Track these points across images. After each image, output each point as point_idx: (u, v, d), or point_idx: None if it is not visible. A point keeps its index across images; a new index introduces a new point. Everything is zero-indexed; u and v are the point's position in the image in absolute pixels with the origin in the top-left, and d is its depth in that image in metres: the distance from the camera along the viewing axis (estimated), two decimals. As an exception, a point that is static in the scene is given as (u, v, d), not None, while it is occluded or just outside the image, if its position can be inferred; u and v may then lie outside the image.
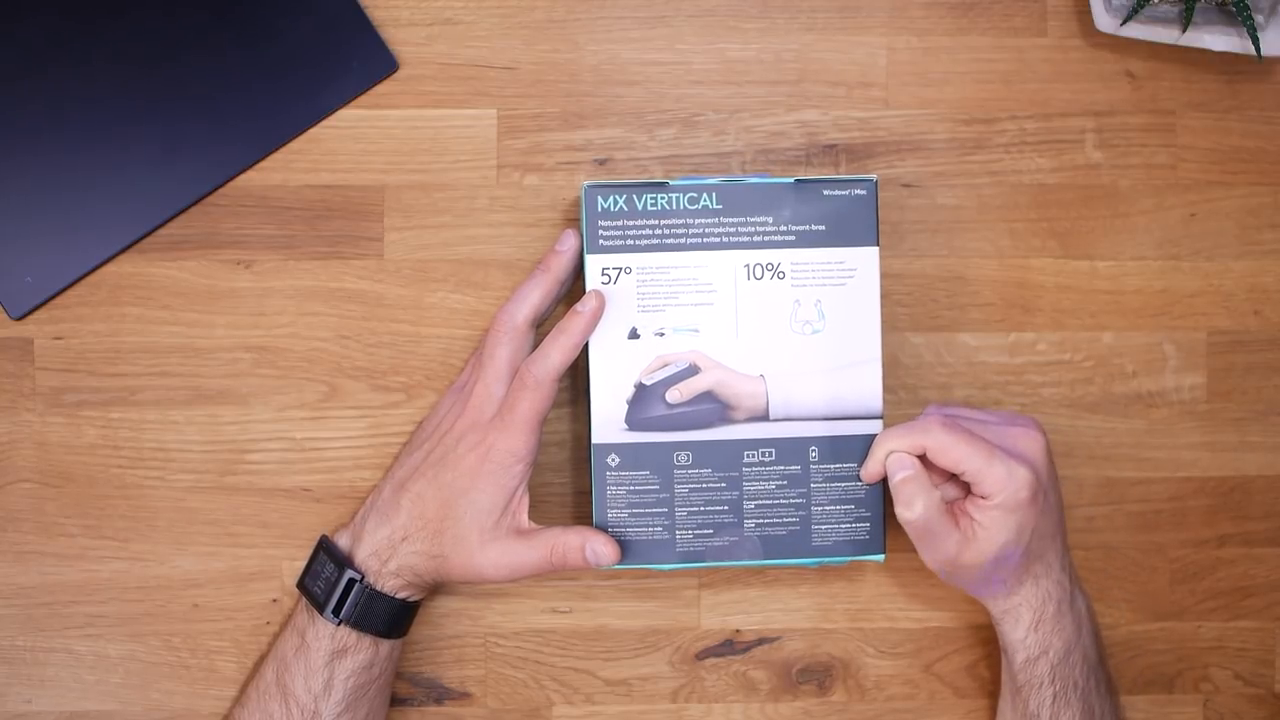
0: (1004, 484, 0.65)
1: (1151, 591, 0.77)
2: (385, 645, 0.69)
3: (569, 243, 0.70)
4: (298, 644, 0.68)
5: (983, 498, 0.66)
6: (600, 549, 0.67)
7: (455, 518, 0.67)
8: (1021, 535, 0.66)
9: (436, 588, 0.73)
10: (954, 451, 0.66)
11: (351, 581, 0.67)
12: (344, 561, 0.68)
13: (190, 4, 0.73)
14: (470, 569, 0.67)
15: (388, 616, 0.68)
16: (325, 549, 0.69)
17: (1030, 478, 0.66)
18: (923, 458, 0.67)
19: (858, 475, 0.70)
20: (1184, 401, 0.77)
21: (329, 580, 0.68)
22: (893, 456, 0.67)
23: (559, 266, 0.69)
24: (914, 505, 0.66)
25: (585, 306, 0.67)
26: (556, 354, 0.67)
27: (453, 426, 0.68)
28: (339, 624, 0.67)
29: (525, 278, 0.70)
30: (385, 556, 0.68)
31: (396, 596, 0.68)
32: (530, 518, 0.68)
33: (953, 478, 0.68)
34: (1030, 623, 0.69)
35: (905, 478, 0.66)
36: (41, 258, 0.73)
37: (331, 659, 0.67)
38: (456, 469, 0.67)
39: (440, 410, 0.71)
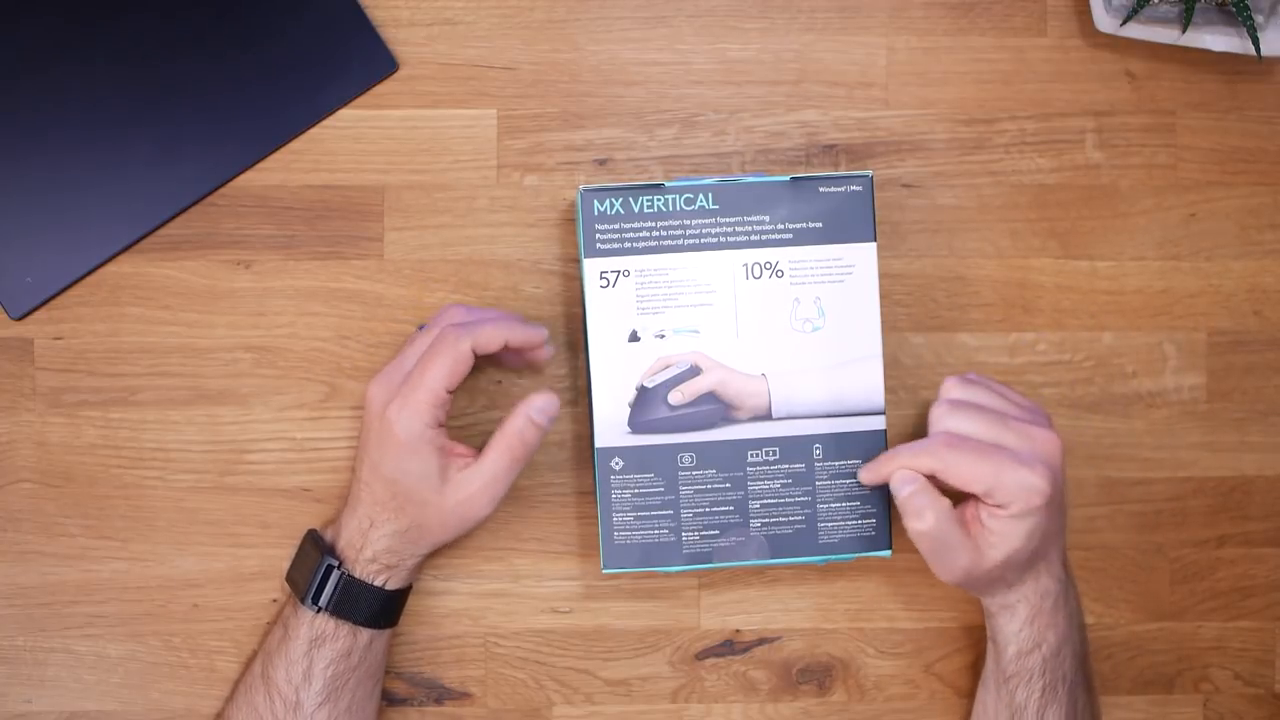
0: (1017, 494, 0.65)
1: (1151, 591, 0.77)
2: (364, 635, 0.68)
3: (547, 353, 0.70)
4: (281, 635, 0.68)
5: (997, 506, 0.65)
6: (541, 404, 0.67)
7: (405, 492, 0.67)
8: (1031, 539, 0.66)
9: (419, 568, 0.71)
10: (962, 472, 0.65)
11: (330, 569, 0.67)
12: (325, 550, 0.68)
13: (190, 4, 0.73)
14: (452, 519, 0.67)
15: (366, 604, 0.68)
16: (311, 540, 0.70)
17: (1044, 486, 0.65)
18: (931, 477, 0.66)
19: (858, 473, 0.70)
20: (1184, 401, 0.77)
21: (310, 569, 0.68)
22: (898, 473, 0.66)
23: (529, 335, 0.68)
24: (924, 516, 0.65)
25: (541, 338, 0.68)
26: (485, 329, 0.66)
27: (370, 405, 0.68)
28: (318, 612, 0.67)
29: (504, 314, 0.70)
30: (359, 545, 0.68)
31: (374, 583, 0.68)
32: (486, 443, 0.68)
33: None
34: (1026, 617, 0.69)
35: (912, 491, 0.65)
36: (41, 258, 0.73)
37: (310, 648, 0.67)
38: (382, 448, 0.67)
39: (369, 388, 0.70)
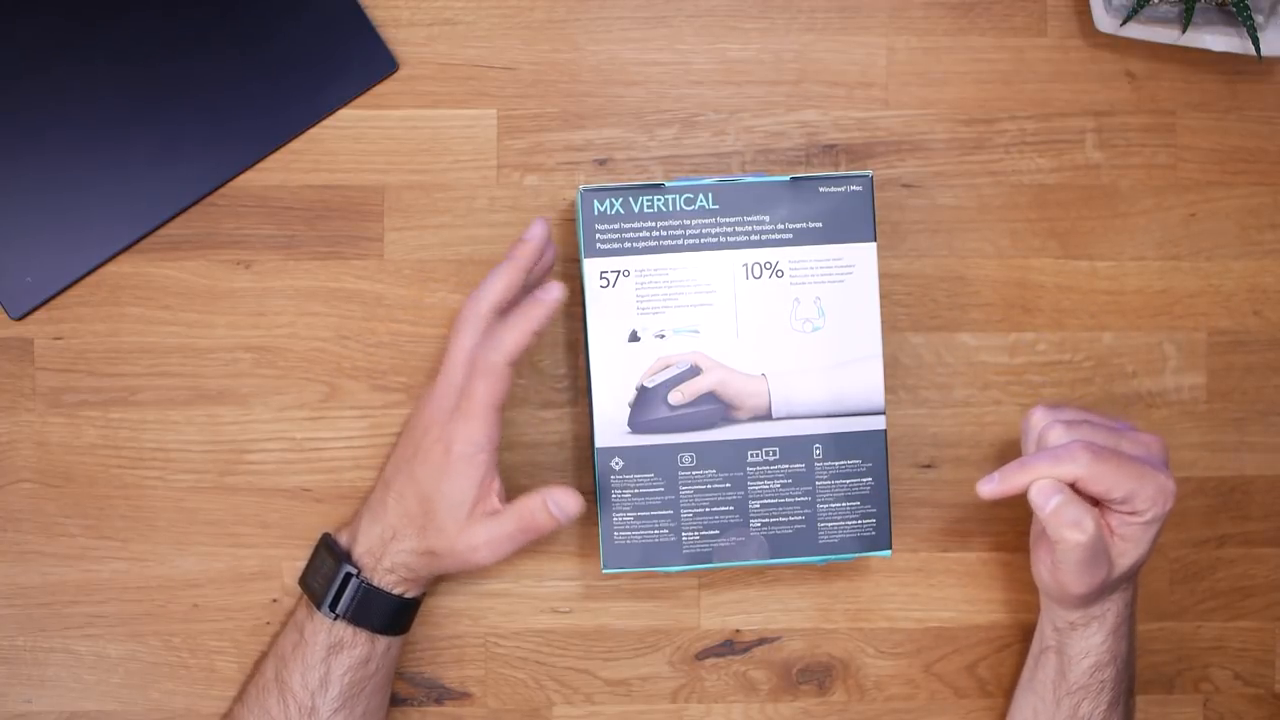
0: (1156, 499, 0.63)
1: (1151, 591, 0.77)
2: (382, 642, 0.69)
3: (535, 230, 0.68)
4: (296, 640, 0.68)
5: (1131, 513, 0.64)
6: (560, 499, 0.66)
7: (433, 512, 0.67)
8: (1153, 545, 0.65)
9: (434, 581, 0.73)
10: (1107, 479, 0.63)
11: (349, 576, 0.67)
12: (342, 557, 0.68)
13: (190, 4, 0.73)
14: (456, 558, 0.67)
15: (385, 612, 0.68)
16: (326, 545, 0.69)
17: (1174, 488, 0.64)
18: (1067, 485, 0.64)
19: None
20: (1184, 401, 0.77)
21: (327, 576, 0.68)
22: (1040, 483, 0.63)
23: (524, 255, 0.67)
24: (1085, 525, 0.63)
25: (547, 295, 0.65)
26: (509, 338, 0.65)
27: (420, 419, 0.68)
28: (336, 619, 0.67)
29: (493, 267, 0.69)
30: (379, 554, 0.68)
31: (393, 592, 0.68)
32: (510, 501, 0.67)
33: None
34: (1112, 626, 0.68)
35: (1062, 501, 0.62)
36: (41, 258, 0.73)
37: (328, 654, 0.67)
38: (426, 464, 0.67)
39: (421, 402, 0.71)
